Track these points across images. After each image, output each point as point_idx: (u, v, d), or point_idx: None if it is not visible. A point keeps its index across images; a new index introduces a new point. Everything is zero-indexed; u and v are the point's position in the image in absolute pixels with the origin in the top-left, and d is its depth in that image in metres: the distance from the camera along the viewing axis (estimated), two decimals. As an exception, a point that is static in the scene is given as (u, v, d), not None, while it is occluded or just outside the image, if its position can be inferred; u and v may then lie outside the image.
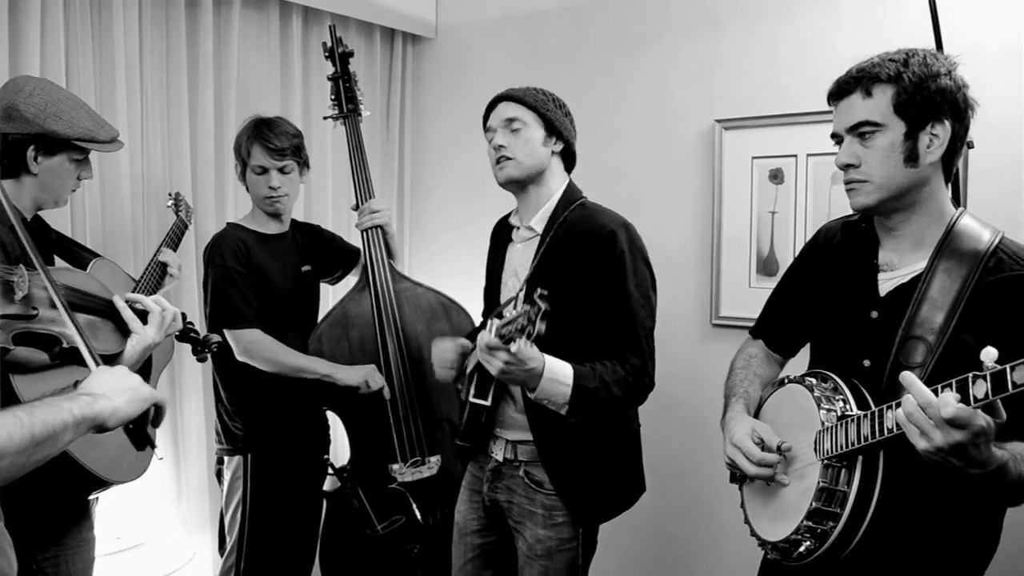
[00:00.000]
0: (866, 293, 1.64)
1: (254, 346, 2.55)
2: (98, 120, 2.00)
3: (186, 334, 1.85)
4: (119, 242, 2.80)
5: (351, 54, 2.81)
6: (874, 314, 1.61)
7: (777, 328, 1.95)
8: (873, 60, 1.58)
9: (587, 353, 2.04)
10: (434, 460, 2.69)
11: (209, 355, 1.99)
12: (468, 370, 2.20)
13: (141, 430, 1.32)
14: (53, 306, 1.36)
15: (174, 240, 2.53)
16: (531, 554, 2.13)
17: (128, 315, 1.60)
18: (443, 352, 2.26)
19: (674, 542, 3.18)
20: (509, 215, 2.34)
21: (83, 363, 1.38)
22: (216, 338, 1.97)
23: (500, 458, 2.20)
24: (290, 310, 2.70)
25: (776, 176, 2.87)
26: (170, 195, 2.69)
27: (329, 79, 2.82)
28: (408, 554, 2.69)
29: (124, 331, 1.59)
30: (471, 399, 2.16)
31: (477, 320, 2.76)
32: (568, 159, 2.24)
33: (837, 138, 1.63)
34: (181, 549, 3.01)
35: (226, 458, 2.69)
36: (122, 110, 2.78)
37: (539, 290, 1.86)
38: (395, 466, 2.64)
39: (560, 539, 2.12)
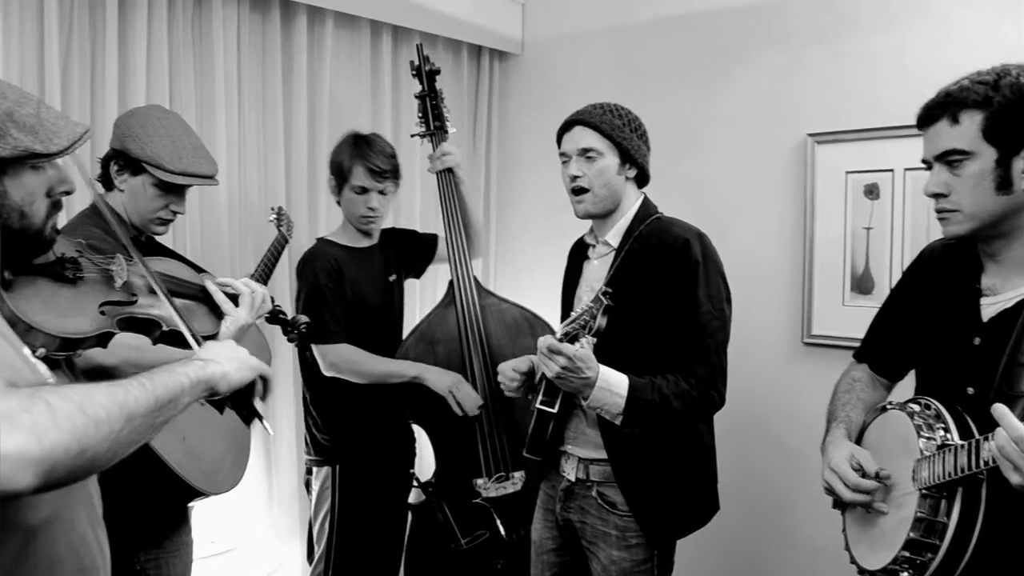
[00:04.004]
0: (968, 318, 1.58)
1: (340, 360, 2.60)
2: (180, 151, 2.02)
3: (275, 316, 1.89)
4: (215, 257, 2.90)
5: (438, 72, 2.82)
6: (977, 340, 1.55)
7: (881, 351, 1.88)
8: (962, 83, 1.51)
9: (657, 365, 2.02)
10: (518, 476, 2.68)
11: (299, 336, 2.02)
12: (537, 378, 2.20)
13: (248, 404, 1.39)
14: (152, 292, 1.44)
15: (274, 254, 2.61)
16: (605, 575, 2.12)
17: (220, 298, 1.65)
18: (509, 381, 2.26)
19: (760, 566, 3.10)
20: (584, 235, 2.34)
21: (183, 344, 1.45)
22: (304, 319, 1.98)
23: (572, 478, 2.18)
24: (379, 320, 2.74)
25: (871, 191, 2.79)
26: (272, 209, 2.76)
27: (416, 97, 2.83)
28: (492, 569, 2.69)
29: (218, 313, 1.66)
30: (538, 406, 2.15)
31: (560, 335, 2.76)
32: (641, 179, 2.21)
33: (927, 164, 1.58)
34: (271, 555, 3.10)
35: (315, 469, 2.74)
36: (221, 128, 2.90)
37: (603, 287, 1.87)
38: (480, 481, 2.65)
39: (635, 560, 2.09)
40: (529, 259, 3.80)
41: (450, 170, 2.75)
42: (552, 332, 2.71)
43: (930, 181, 1.55)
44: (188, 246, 2.83)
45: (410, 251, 2.92)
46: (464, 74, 3.74)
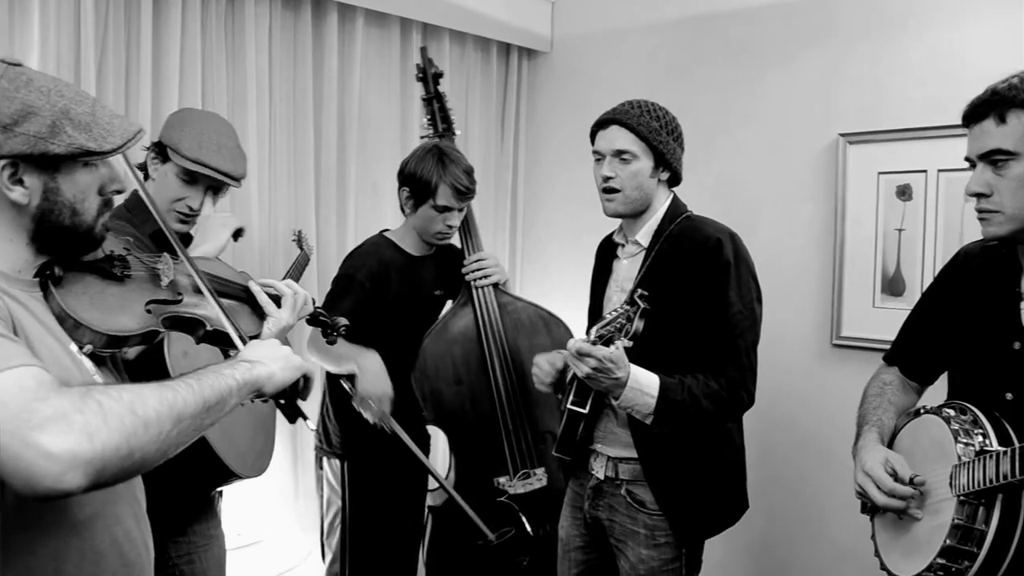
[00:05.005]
0: (1008, 323, 1.56)
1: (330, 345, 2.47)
2: (202, 143, 2.01)
3: (316, 317, 1.90)
4: (245, 255, 2.90)
5: (441, 75, 2.86)
6: (1017, 345, 1.53)
7: (913, 355, 1.86)
8: (1011, 81, 1.49)
9: (686, 364, 2.02)
10: (541, 471, 2.70)
11: (339, 338, 2.03)
12: (568, 377, 2.19)
13: (293, 404, 1.38)
14: (197, 291, 1.45)
15: (297, 272, 2.62)
16: (633, 574, 2.12)
17: (263, 299, 1.65)
18: (544, 375, 2.23)
19: (787, 567, 3.08)
20: (612, 234, 2.33)
21: (227, 344, 1.46)
22: (344, 321, 1.98)
23: (601, 476, 2.18)
24: (412, 330, 2.68)
25: (904, 192, 2.76)
26: (294, 232, 2.78)
27: (422, 100, 2.86)
28: (518, 566, 2.70)
29: (260, 314, 1.65)
30: (568, 406, 2.15)
31: (575, 332, 2.75)
32: (673, 180, 2.21)
33: (970, 163, 1.56)
34: (297, 548, 3.12)
35: (324, 461, 2.70)
36: (252, 125, 2.92)
37: (639, 290, 1.86)
38: (503, 479, 2.65)
39: (663, 559, 2.09)
40: (554, 255, 3.80)
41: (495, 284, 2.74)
42: (567, 330, 2.76)
43: (972, 180, 1.54)
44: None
45: (461, 280, 2.80)
46: (493, 72, 3.74)
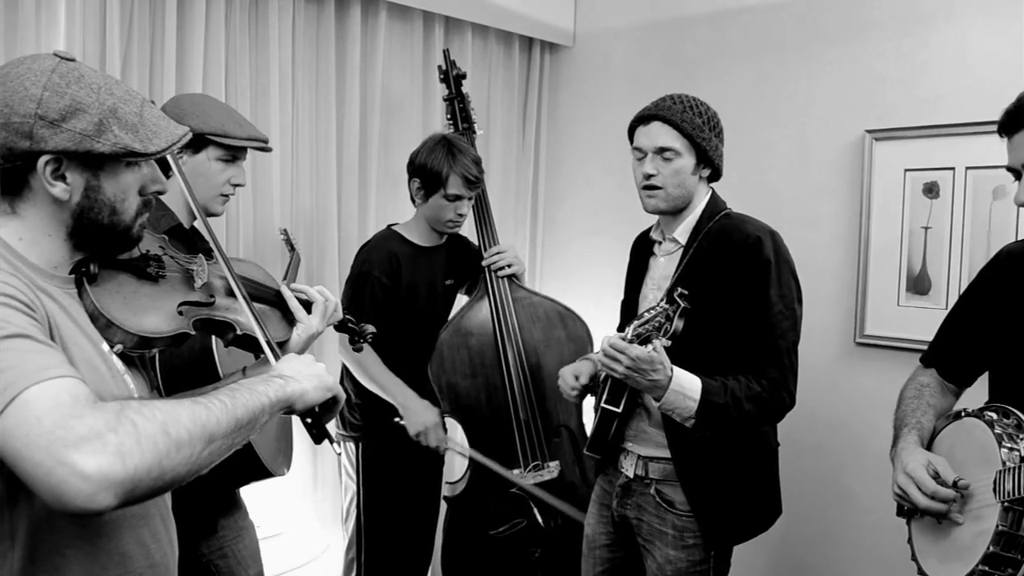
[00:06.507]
0: None
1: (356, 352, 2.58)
2: (238, 121, 2.05)
3: (344, 324, 1.89)
4: (268, 248, 2.92)
5: (464, 76, 2.95)
6: None
7: (952, 356, 1.84)
8: None
9: (726, 365, 1.99)
10: (553, 465, 2.73)
11: (365, 345, 2.03)
12: (601, 376, 2.18)
13: (319, 423, 1.35)
14: (230, 294, 1.43)
15: (294, 274, 2.63)
16: (660, 574, 2.10)
17: (294, 304, 1.63)
18: (570, 389, 2.23)
19: (808, 567, 3.07)
20: (649, 230, 2.30)
21: (256, 349, 1.43)
22: (371, 329, 1.99)
23: (630, 474, 2.17)
24: (427, 321, 2.74)
25: (931, 190, 2.74)
26: (281, 230, 2.78)
27: (444, 100, 2.95)
28: (529, 558, 2.71)
29: (290, 319, 1.63)
30: (602, 405, 2.13)
31: (594, 328, 2.76)
32: (713, 176, 2.18)
33: (1015, 173, 1.54)
34: (316, 541, 3.12)
35: (341, 444, 2.70)
36: (275, 118, 2.91)
37: (679, 289, 1.84)
38: (516, 471, 2.68)
39: (691, 561, 2.07)
40: (575, 251, 3.78)
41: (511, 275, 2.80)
42: (584, 325, 2.79)
43: (1021, 190, 1.52)
44: (241, 238, 2.85)
45: (471, 270, 2.89)
46: (515, 66, 3.72)
